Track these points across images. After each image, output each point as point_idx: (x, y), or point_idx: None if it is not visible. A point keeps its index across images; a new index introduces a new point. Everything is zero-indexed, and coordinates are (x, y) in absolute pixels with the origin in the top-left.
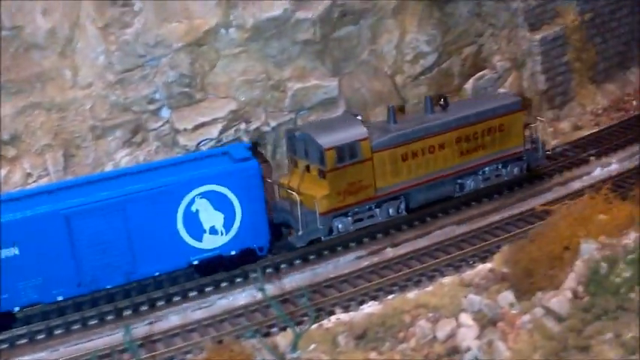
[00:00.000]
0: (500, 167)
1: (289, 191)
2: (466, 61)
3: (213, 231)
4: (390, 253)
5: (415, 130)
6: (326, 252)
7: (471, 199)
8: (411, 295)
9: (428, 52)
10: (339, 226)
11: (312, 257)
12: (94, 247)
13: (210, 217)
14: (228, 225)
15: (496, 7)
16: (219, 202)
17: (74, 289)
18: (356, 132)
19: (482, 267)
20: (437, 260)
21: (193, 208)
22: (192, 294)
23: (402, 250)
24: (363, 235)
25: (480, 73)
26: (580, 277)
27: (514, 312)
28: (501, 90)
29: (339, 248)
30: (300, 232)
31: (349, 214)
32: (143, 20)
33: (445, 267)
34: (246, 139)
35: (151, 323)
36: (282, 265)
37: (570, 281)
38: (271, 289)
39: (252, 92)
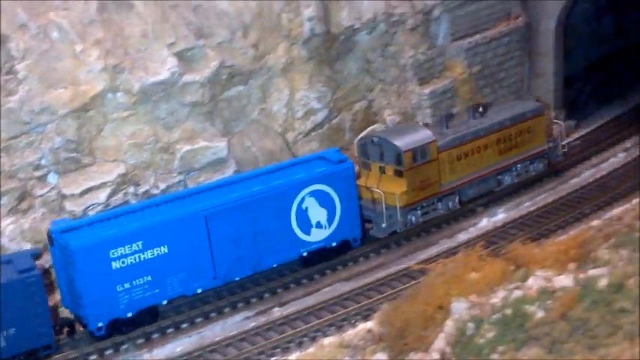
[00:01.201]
0: (528, 164)
1: (373, 189)
2: (357, 116)
3: (318, 225)
4: (277, 312)
5: (466, 133)
6: (213, 314)
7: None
8: (293, 357)
9: (318, 108)
10: (412, 218)
11: (199, 320)
12: (227, 243)
13: (316, 213)
14: (330, 219)
15: (385, 64)
16: (323, 200)
17: (211, 282)
18: (425, 136)
19: (363, 326)
20: (320, 320)
21: (304, 206)
22: None
23: (289, 309)
24: (251, 296)
25: (371, 127)
26: (449, 337)
27: None
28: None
29: (227, 309)
30: (383, 225)
31: (418, 208)
32: (28, 87)
33: (328, 327)
34: (135, 201)
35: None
36: (169, 330)
37: (440, 342)
38: None
39: (141, 155)
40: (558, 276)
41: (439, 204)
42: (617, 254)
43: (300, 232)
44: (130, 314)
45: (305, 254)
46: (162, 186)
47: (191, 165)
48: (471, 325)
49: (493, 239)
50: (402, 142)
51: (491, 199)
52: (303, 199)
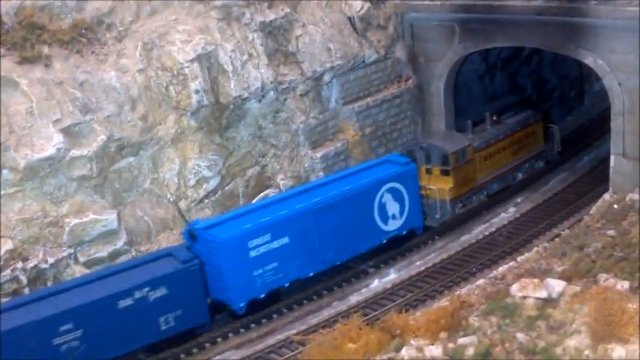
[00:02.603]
0: (533, 162)
1: (427, 187)
2: (250, 182)
3: (393, 217)
4: None
5: (490, 137)
6: None
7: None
8: None
9: (210, 176)
10: (456, 210)
11: None
12: (331, 233)
13: (392, 206)
14: (401, 212)
15: (277, 129)
16: (396, 195)
17: (319, 266)
18: (464, 139)
19: None
20: None
21: (383, 200)
22: None
23: None
24: None
25: (264, 192)
26: None
27: None
28: None
29: None
30: (437, 216)
31: (460, 201)
32: None
33: None
34: (24, 278)
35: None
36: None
37: None
38: None
39: (30, 230)
40: (430, 345)
41: (473, 197)
42: (487, 321)
43: (381, 223)
44: (262, 295)
45: (384, 241)
46: (52, 260)
47: (81, 238)
48: None
49: (375, 306)
50: (448, 146)
51: (382, 259)
52: (382, 195)
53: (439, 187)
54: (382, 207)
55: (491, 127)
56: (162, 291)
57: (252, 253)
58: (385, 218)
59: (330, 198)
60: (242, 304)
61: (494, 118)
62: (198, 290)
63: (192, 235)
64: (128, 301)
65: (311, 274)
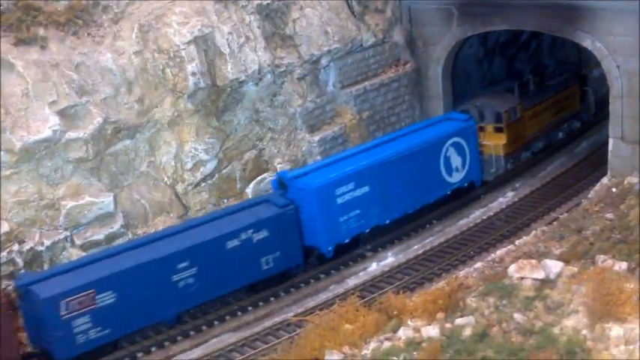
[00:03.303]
0: (571, 122)
1: (483, 143)
2: (247, 166)
3: (456, 170)
4: None
5: (535, 97)
6: None
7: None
8: None
9: (207, 159)
10: (508, 165)
11: None
12: (404, 184)
13: (455, 160)
14: (463, 165)
15: (274, 113)
16: (459, 149)
17: (394, 214)
18: (514, 99)
19: None
20: None
21: (448, 154)
22: None
23: None
24: (139, 350)
25: (261, 176)
26: None
27: None
28: None
29: None
30: (492, 170)
31: (511, 156)
32: None
33: None
34: (20, 260)
35: None
36: None
37: None
38: None
39: (26, 213)
40: (427, 326)
41: (522, 154)
42: (485, 302)
43: (446, 175)
44: (347, 240)
45: (449, 192)
46: (48, 242)
47: (77, 220)
48: None
49: (372, 289)
50: (501, 104)
51: (380, 242)
52: (447, 149)
53: (494, 143)
54: (447, 160)
55: (535, 89)
56: (263, 233)
57: (339, 200)
58: (450, 170)
59: (405, 150)
60: (330, 248)
61: (538, 79)
62: (294, 233)
63: (282, 184)
64: (235, 242)
65: (387, 222)
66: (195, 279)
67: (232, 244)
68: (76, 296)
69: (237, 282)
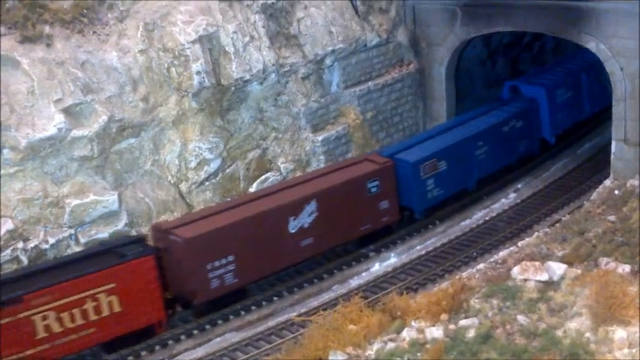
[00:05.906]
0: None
1: None
2: (251, 165)
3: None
4: None
5: None
6: None
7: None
8: None
9: (211, 158)
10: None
11: None
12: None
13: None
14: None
15: (278, 112)
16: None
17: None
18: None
19: None
20: None
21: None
22: None
23: None
24: (143, 348)
25: (265, 175)
26: None
27: None
28: None
29: None
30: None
31: None
32: None
33: None
34: (24, 257)
35: None
36: None
37: None
38: None
39: (30, 210)
40: (431, 327)
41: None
42: (488, 304)
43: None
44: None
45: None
46: (52, 240)
47: (81, 219)
48: None
49: (375, 289)
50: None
51: (383, 243)
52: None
53: None
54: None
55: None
56: (519, 123)
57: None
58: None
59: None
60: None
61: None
62: (537, 125)
63: (514, 89)
64: (506, 128)
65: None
66: (486, 155)
67: (505, 128)
68: (427, 162)
69: (508, 159)
